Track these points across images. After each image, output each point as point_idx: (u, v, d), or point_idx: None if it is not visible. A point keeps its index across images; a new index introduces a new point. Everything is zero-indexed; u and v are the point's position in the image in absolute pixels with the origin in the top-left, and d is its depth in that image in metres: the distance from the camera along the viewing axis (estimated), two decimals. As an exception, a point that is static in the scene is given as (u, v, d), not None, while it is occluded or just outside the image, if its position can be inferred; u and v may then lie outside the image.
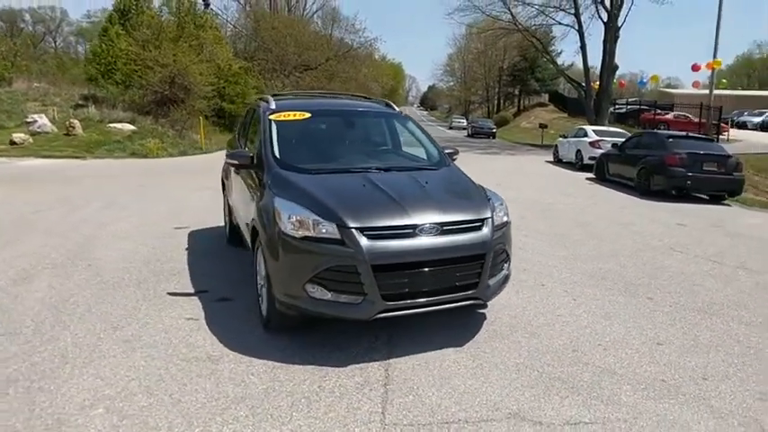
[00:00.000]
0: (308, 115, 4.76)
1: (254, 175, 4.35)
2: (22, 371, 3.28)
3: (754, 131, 30.94)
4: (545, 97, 63.58)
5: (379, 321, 3.40)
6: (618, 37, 26.44)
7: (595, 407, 2.96)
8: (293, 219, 3.44)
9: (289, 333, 3.80)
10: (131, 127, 19.91)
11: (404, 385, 3.16)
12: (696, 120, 26.91)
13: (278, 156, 4.24)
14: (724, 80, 41.05)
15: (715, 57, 25.09)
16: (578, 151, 16.90)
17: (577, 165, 16.79)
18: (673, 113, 30.27)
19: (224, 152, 5.72)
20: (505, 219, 3.85)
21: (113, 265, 5.48)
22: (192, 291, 4.77)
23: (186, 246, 6.33)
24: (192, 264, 5.58)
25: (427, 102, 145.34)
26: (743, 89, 56.00)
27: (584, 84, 29.37)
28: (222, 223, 7.39)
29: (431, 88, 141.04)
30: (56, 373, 3.26)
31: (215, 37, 29.60)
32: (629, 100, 41.42)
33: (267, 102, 5.01)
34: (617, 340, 3.84)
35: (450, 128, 56.33)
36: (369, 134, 5.08)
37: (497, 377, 3.27)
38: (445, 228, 3.46)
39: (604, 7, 26.69)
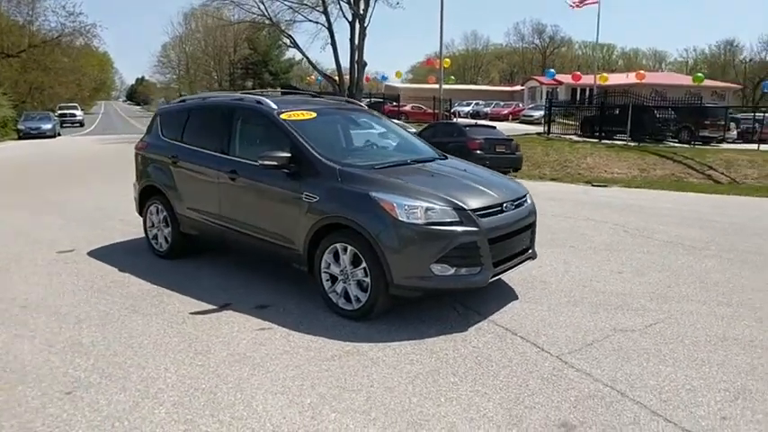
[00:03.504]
0: (314, 114, 4.88)
1: (289, 177, 4.36)
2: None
3: (466, 119, 37.98)
4: (279, 91, 65.57)
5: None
6: (365, 35, 29.30)
7: (645, 314, 4.21)
8: (407, 209, 3.80)
9: (382, 318, 4.10)
10: None
11: (527, 331, 3.91)
12: (430, 110, 31.80)
13: (322, 154, 4.37)
14: (452, 77, 48.85)
15: (441, 56, 30.06)
16: (367, 141, 18.66)
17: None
18: (410, 105, 35.02)
19: None
20: None
21: (60, 300, 4.65)
22: (215, 306, 4.49)
23: (114, 268, 5.56)
24: (158, 282, 5.05)
25: (137, 96, 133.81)
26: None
27: (336, 78, 31.67)
28: (121, 239, 6.65)
29: (140, 81, 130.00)
30: (238, 409, 3.04)
31: None
32: (372, 93, 45.98)
33: (260, 102, 4.90)
34: (595, 275, 5.21)
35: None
36: (370, 130, 5.41)
37: (571, 311, 4.27)
38: (515, 203, 4.28)
39: (350, 7, 29.21)
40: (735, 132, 21.74)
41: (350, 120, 5.33)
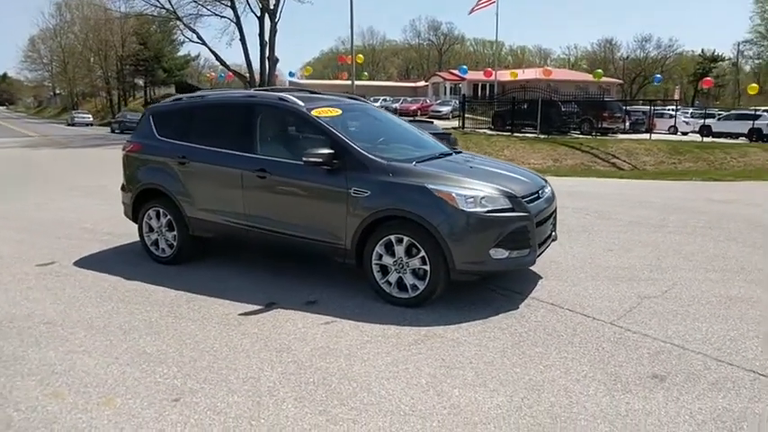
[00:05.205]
0: (340, 111, 4.99)
1: (330, 173, 4.46)
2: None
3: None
4: (173, 88, 62.53)
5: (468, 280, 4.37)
6: (276, 31, 28.85)
7: (655, 283, 4.83)
8: (466, 198, 4.08)
9: (435, 305, 4.34)
10: None
11: (571, 304, 4.35)
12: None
13: (365, 149, 4.52)
14: (366, 73, 49.03)
15: (352, 54, 30.35)
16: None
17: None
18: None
19: None
20: None
21: (84, 314, 4.41)
22: (260, 306, 4.48)
23: (118, 278, 5.25)
24: (179, 288, 4.90)
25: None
26: (330, 79, 66.22)
27: (246, 75, 30.89)
28: (100, 248, 6.30)
29: (2, 79, 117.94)
30: (363, 396, 3.15)
31: None
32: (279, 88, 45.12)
33: (283, 99, 4.91)
34: (591, 253, 5.80)
35: (72, 124, 49.98)
36: (387, 125, 5.56)
37: (595, 285, 4.79)
38: (545, 191, 4.71)
39: (258, 1, 28.59)
40: (627, 124, 24.24)
41: (369, 115, 5.49)
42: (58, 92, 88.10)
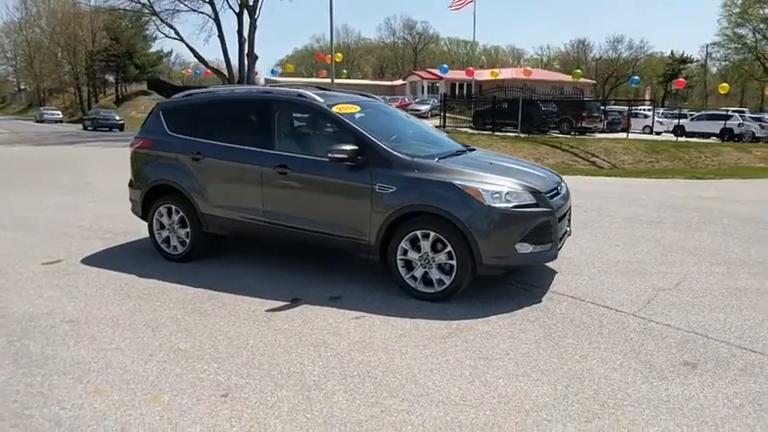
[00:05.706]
0: (358, 108, 5.02)
1: (353, 169, 4.50)
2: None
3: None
4: (145, 85, 61.47)
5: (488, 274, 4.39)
6: (256, 27, 28.58)
7: (666, 276, 5.01)
8: (492, 194, 4.17)
9: (459, 300, 4.41)
10: None
11: (591, 297, 4.49)
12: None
13: (389, 146, 4.57)
14: (344, 71, 48.88)
15: (332, 52, 30.27)
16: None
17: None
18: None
19: None
20: None
21: (106, 312, 4.36)
22: (286, 302, 4.49)
23: (131, 275, 5.18)
24: (197, 285, 4.86)
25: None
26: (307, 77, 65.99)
27: (225, 72, 30.52)
28: (104, 246, 6.18)
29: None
30: (411, 388, 3.21)
31: None
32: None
33: (302, 95, 4.92)
34: (599, 249, 5.97)
35: (41, 121, 48.73)
36: (399, 122, 5.60)
37: (610, 279, 4.94)
38: (562, 187, 4.83)
39: (237, -1, 28.29)
40: (604, 123, 24.80)
41: (382, 112, 5.53)
42: (23, 87, 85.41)
